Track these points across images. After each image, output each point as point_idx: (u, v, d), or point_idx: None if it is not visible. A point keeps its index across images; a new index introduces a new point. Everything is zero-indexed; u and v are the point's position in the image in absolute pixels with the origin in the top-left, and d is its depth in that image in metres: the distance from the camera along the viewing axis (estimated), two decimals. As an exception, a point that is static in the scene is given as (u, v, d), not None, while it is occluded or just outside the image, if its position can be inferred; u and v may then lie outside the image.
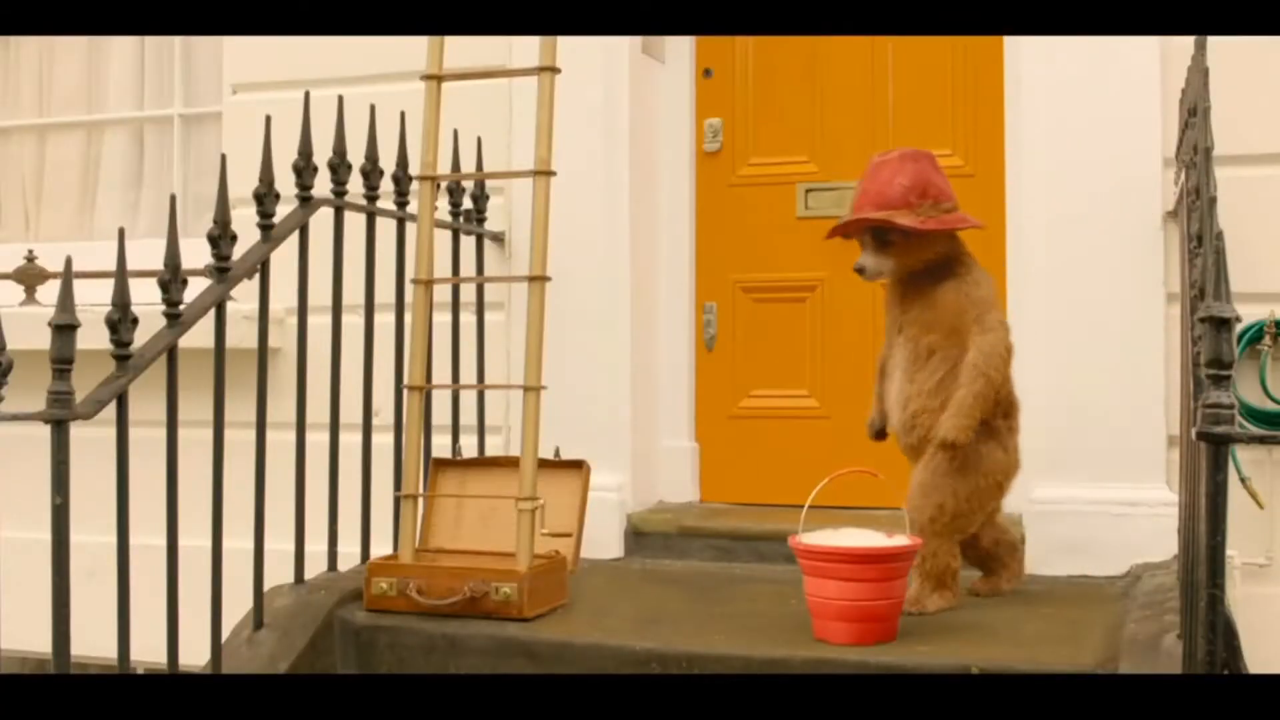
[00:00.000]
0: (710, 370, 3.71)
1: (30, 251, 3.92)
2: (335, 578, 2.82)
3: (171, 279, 2.39)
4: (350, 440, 2.84)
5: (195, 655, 2.50)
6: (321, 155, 2.83)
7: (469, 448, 3.31)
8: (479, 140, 3.45)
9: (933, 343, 2.66)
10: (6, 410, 2.02)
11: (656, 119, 3.69)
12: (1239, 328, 2.94)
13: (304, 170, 2.79)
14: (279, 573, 2.72)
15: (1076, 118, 3.09)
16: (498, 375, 3.46)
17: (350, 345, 2.89)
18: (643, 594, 2.95)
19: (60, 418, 2.07)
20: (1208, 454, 1.68)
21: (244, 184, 2.74)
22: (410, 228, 3.04)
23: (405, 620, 2.66)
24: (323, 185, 2.83)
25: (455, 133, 3.35)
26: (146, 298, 2.58)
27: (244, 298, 3.00)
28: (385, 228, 3.02)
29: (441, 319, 3.22)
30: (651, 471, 3.60)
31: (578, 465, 3.03)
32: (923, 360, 2.67)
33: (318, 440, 2.77)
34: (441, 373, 3.26)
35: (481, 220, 3.47)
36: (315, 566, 2.80)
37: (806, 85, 3.67)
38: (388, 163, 3.02)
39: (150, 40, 4.15)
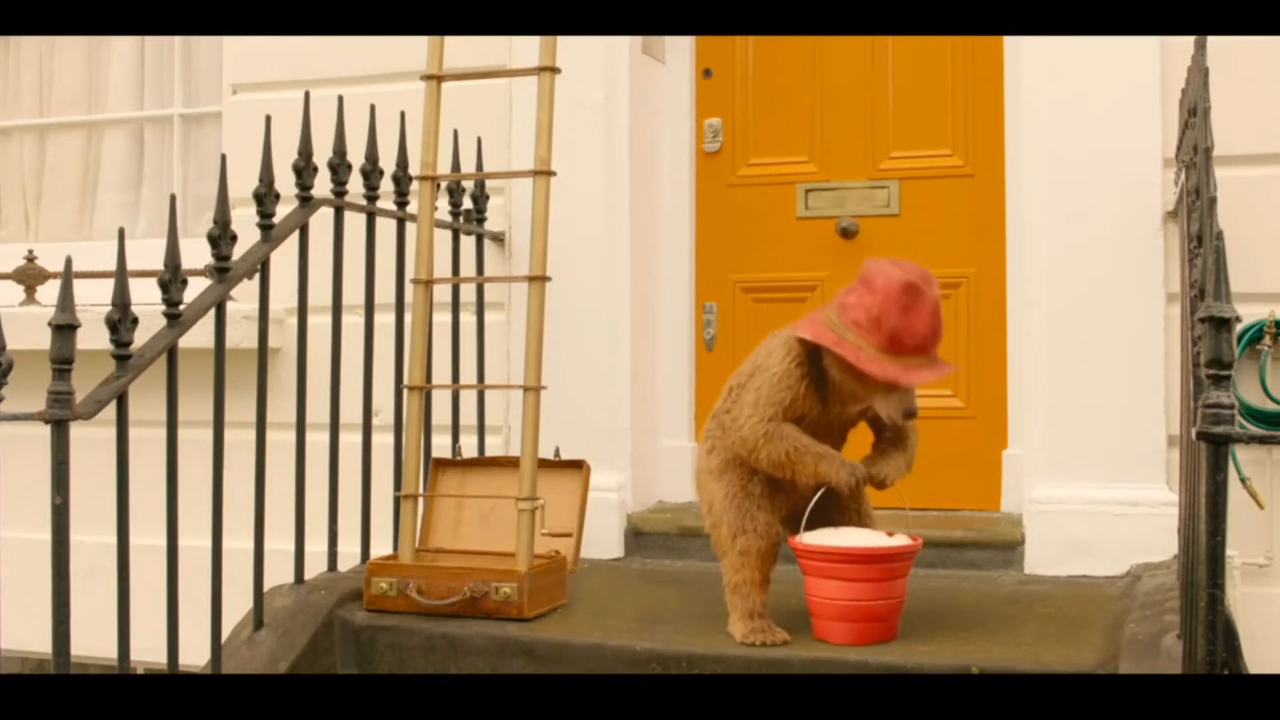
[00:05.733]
0: (710, 370, 3.71)
1: (30, 251, 3.92)
2: (335, 578, 2.82)
3: (171, 279, 2.39)
4: (350, 440, 2.84)
5: (195, 655, 2.50)
6: (321, 155, 2.83)
7: (469, 448, 3.31)
8: (479, 140, 3.45)
9: None
10: (6, 410, 2.02)
11: (656, 119, 3.69)
12: (1239, 328, 2.94)
13: (304, 170, 2.78)
14: (279, 573, 2.72)
15: (1076, 118, 3.09)
16: (498, 375, 3.46)
17: (350, 345, 2.89)
18: (643, 594, 2.95)
19: (60, 418, 2.07)
20: (1208, 454, 1.69)
21: (244, 184, 2.74)
22: (410, 228, 3.04)
23: (405, 620, 2.66)
24: (323, 185, 2.83)
25: (455, 133, 3.35)
26: (146, 298, 2.59)
27: (244, 298, 3.01)
28: (385, 228, 3.02)
29: (441, 319, 3.22)
30: (651, 471, 3.60)
31: (578, 465, 3.03)
32: None
33: (318, 440, 2.77)
34: (441, 373, 3.26)
35: (481, 220, 3.46)
36: (315, 566, 2.80)
37: (806, 85, 3.67)
38: (388, 163, 3.02)
39: (150, 40, 4.14)
